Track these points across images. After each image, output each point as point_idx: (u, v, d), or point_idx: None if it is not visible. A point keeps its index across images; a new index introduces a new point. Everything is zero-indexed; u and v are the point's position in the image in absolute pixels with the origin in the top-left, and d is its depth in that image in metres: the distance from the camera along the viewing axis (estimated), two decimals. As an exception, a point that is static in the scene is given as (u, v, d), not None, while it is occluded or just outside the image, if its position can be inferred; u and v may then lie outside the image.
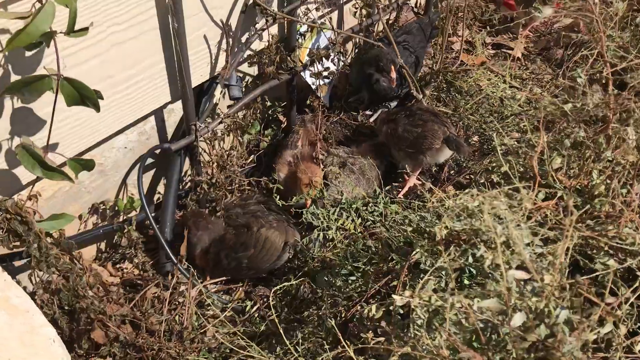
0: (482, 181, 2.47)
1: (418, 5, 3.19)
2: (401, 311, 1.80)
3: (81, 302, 1.67)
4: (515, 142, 2.58)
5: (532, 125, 2.73)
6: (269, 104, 2.68)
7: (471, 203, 1.82)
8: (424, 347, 1.53)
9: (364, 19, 2.65)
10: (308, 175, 2.34)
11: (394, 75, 2.51)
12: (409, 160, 2.39)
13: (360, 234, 2.06)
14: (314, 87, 2.54)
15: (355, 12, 2.58)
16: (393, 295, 1.54)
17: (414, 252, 1.85)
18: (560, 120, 2.66)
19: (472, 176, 2.49)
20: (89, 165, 1.58)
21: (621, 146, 2.28)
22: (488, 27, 3.32)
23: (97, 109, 1.48)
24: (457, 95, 2.77)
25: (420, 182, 2.53)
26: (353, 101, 2.82)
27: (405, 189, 2.49)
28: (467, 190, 1.91)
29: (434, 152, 2.35)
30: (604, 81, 2.74)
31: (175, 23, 1.85)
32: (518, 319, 1.52)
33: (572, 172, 2.40)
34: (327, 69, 2.40)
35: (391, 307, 1.73)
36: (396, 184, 2.56)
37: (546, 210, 2.23)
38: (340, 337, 1.55)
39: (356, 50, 2.92)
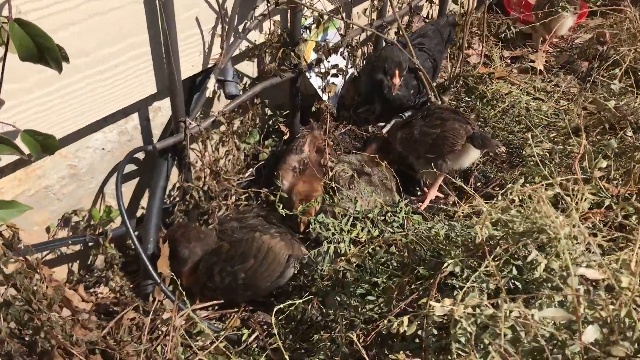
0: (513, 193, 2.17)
1: (429, 17, 2.96)
2: (435, 332, 1.47)
3: (36, 319, 1.32)
4: (547, 153, 2.29)
5: (564, 136, 2.45)
6: (269, 113, 2.40)
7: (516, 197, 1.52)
8: (472, 370, 1.18)
9: (375, 19, 2.40)
10: (304, 190, 2.05)
11: (397, 81, 2.22)
12: (429, 168, 2.07)
13: (378, 246, 1.73)
14: (319, 91, 2.26)
15: (366, 10, 2.33)
16: (431, 303, 1.20)
17: (446, 265, 1.52)
18: (597, 128, 2.38)
19: (501, 188, 2.18)
20: (49, 145, 1.27)
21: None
22: (503, 39, 3.09)
23: (59, 67, 1.19)
24: (479, 102, 2.49)
25: (442, 195, 2.22)
26: (363, 112, 2.54)
27: (426, 202, 2.18)
28: (509, 186, 1.61)
29: (458, 155, 2.04)
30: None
31: (162, -6, 1.59)
32: (591, 333, 1.19)
33: (616, 183, 2.11)
34: (335, 66, 2.13)
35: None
36: (414, 198, 2.25)
37: (595, 219, 1.93)
38: (364, 354, 1.20)
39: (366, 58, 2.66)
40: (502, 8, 3.33)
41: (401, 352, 1.24)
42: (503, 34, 2.95)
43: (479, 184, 2.24)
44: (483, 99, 2.51)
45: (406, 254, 1.60)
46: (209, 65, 1.92)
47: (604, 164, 1.97)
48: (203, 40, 1.85)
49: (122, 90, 1.71)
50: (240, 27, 1.92)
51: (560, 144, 2.37)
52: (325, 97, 2.25)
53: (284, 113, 2.39)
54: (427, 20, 2.89)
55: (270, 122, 2.42)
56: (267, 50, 2.06)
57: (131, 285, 1.90)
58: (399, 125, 2.22)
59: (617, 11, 3.07)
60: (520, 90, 2.71)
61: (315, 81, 2.24)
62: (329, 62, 2.14)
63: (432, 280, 1.57)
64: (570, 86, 2.82)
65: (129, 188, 2.00)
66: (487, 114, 2.43)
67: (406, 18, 2.69)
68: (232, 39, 1.90)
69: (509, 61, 3.02)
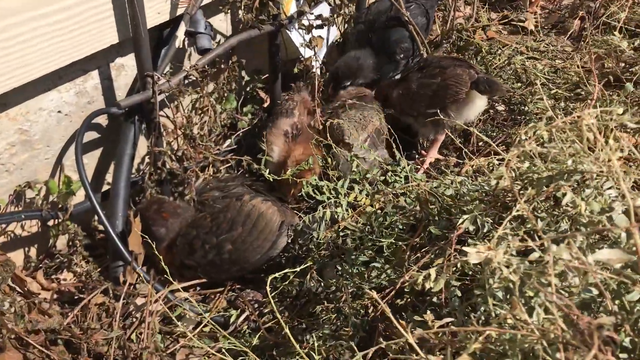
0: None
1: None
2: (458, 293, 1.27)
3: (-23, 299, 1.08)
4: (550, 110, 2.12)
5: (566, 91, 2.29)
6: (247, 78, 2.17)
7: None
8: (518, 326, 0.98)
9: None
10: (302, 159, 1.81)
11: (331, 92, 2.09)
12: (430, 126, 1.88)
13: (384, 204, 1.52)
14: (301, 48, 2.04)
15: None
16: (464, 249, 0.99)
17: (462, 220, 1.33)
18: (600, 82, 2.22)
19: (506, 146, 1.99)
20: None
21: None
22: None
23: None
24: (473, 58, 2.31)
25: (442, 158, 2.02)
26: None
27: (426, 164, 1.98)
28: (532, 125, 1.41)
29: (462, 105, 1.84)
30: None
31: None
32: (655, 278, 1.00)
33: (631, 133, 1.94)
34: (319, 16, 1.91)
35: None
36: (411, 162, 2.04)
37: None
38: (390, 315, 0.99)
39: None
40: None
41: (428, 312, 1.02)
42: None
43: (480, 143, 2.04)
44: (477, 55, 2.32)
45: (418, 208, 1.39)
46: (178, 14, 1.69)
47: (620, 110, 1.79)
48: (170, -16, 1.63)
49: (79, 38, 1.47)
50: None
51: (561, 101, 2.21)
52: (309, 55, 2.03)
53: (263, 77, 2.17)
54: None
55: (248, 89, 2.19)
56: (242, 0, 1.83)
57: (98, 270, 1.65)
58: (393, 83, 2.01)
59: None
60: (513, 50, 2.54)
61: (296, 37, 2.02)
62: (312, 13, 1.93)
63: (444, 242, 1.38)
64: (563, 45, 2.66)
65: (91, 159, 1.75)
66: (487, 65, 2.25)
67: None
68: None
69: (497, 23, 2.85)
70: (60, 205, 1.61)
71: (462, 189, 1.52)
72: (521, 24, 2.78)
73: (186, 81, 1.71)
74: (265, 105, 2.20)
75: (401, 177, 1.66)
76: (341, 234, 1.51)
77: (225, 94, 2.03)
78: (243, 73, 2.13)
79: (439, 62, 1.89)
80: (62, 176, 1.66)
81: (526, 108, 2.11)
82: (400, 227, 1.52)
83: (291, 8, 1.99)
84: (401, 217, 1.50)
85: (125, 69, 1.71)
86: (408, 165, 1.69)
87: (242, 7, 1.84)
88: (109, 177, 1.81)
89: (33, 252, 1.71)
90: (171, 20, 1.69)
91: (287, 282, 1.50)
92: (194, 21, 1.73)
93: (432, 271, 1.06)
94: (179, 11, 1.69)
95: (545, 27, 2.86)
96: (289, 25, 1.97)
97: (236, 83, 2.06)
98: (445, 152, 2.04)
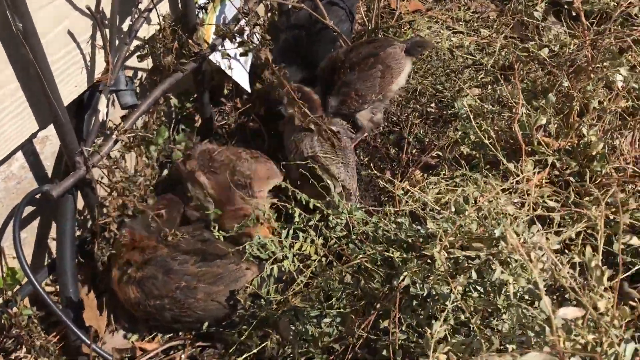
0: (451, 156, 2.05)
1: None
2: None
3: None
4: (479, 100, 2.16)
5: (493, 76, 2.33)
6: (175, 101, 2.11)
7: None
8: None
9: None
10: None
11: None
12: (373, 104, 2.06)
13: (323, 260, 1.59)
14: (228, 70, 1.99)
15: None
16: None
17: (401, 278, 1.42)
18: (526, 65, 2.26)
19: (439, 153, 2.05)
20: None
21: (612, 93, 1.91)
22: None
23: None
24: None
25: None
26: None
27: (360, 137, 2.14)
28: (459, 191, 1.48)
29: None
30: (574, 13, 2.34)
31: (19, 22, 1.25)
32: (575, 371, 1.13)
33: (554, 131, 2.00)
34: (242, 43, 1.85)
35: None
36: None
37: (539, 185, 1.85)
38: None
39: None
40: None
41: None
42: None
43: (414, 151, 2.09)
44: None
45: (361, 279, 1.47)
46: (96, 79, 1.62)
47: (544, 120, 1.86)
48: (82, 53, 1.54)
49: (-5, 140, 1.41)
50: (125, 28, 1.61)
51: (489, 87, 2.26)
52: (238, 75, 2.00)
53: (191, 99, 2.11)
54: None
55: (177, 111, 2.14)
56: (160, 44, 1.75)
57: (60, 344, 1.69)
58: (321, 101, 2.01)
59: None
60: (439, 24, 2.53)
61: (223, 63, 1.96)
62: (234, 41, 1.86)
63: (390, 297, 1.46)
64: (490, 11, 2.66)
65: (31, 232, 1.72)
66: (412, 69, 2.26)
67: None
68: (116, 45, 1.59)
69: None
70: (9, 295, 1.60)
71: (401, 234, 1.60)
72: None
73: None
74: (197, 125, 2.17)
75: (342, 220, 1.70)
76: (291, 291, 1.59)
77: (156, 128, 1.98)
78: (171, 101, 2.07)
79: (360, 49, 2.02)
80: (3, 262, 1.63)
81: (456, 105, 2.15)
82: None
83: (211, 34, 1.92)
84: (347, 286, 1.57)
85: (49, 138, 1.65)
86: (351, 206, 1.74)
87: (162, 53, 1.76)
88: (51, 242, 1.80)
89: (-13, 334, 1.72)
90: (90, 86, 1.62)
91: (244, 338, 1.59)
92: (115, 80, 1.65)
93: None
94: (97, 75, 1.61)
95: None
96: (213, 54, 1.90)
97: (165, 114, 2.01)
98: (380, 165, 2.08)
